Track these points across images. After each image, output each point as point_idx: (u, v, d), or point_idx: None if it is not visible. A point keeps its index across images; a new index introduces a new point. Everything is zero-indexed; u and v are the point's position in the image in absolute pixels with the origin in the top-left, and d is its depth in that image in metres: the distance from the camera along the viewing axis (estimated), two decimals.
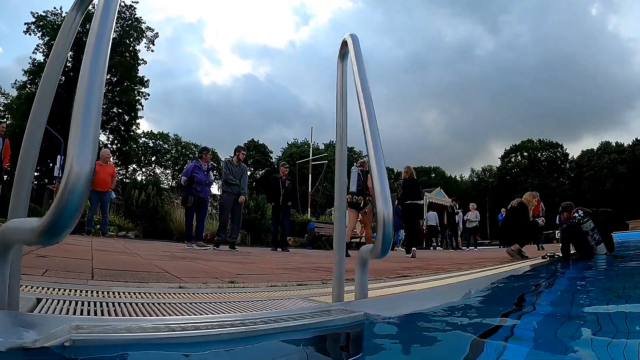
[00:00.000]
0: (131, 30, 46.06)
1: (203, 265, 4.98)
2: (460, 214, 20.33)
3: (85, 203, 0.96)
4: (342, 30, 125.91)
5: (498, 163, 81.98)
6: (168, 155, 71.99)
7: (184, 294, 2.66)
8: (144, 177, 60.55)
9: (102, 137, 45.86)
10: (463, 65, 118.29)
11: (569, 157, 77.32)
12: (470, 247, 19.67)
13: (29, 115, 1.52)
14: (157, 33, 48.26)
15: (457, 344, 1.58)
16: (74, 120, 1.00)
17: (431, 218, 21.16)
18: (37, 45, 41.22)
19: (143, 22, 46.96)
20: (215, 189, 11.95)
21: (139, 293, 2.56)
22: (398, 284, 3.65)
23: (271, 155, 76.07)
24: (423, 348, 1.58)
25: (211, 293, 2.74)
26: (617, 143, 72.21)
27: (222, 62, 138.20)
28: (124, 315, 1.88)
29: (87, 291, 2.47)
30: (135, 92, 46.92)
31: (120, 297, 2.38)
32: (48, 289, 2.38)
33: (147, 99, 48.50)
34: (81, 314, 1.84)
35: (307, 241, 17.52)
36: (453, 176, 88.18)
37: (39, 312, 1.77)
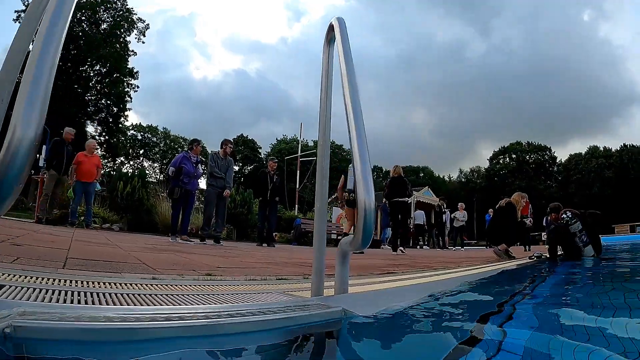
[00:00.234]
0: (122, 21, 45.64)
1: (183, 258, 4.86)
2: (448, 213, 20.37)
3: (28, 171, 0.86)
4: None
5: (486, 164, 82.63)
6: (156, 149, 71.60)
7: (157, 285, 2.55)
8: (131, 170, 60.15)
9: (90, 129, 45.51)
10: (453, 66, 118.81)
11: (557, 161, 78.02)
12: (457, 247, 19.69)
13: None
14: (148, 24, 47.94)
15: (437, 344, 1.49)
16: (24, 81, 0.92)
17: (419, 217, 21.14)
18: None
19: (134, 13, 46.61)
20: (202, 183, 11.80)
21: (109, 283, 2.44)
22: (382, 281, 3.57)
23: (260, 150, 76.01)
24: (402, 346, 1.48)
25: (185, 285, 2.63)
26: (604, 148, 72.92)
27: (213, 56, 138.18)
28: (86, 304, 1.77)
29: (52, 279, 2.35)
30: (125, 83, 46.51)
31: (86, 286, 2.27)
32: (9, 275, 2.26)
33: (137, 91, 48.19)
34: (37, 301, 1.72)
35: (293, 237, 17.43)
36: (441, 176, 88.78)
37: None
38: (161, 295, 2.13)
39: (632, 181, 64.37)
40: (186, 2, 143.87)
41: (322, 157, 2.19)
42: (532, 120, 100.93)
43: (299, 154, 29.54)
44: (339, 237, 21.23)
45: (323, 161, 2.18)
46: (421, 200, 29.17)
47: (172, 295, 2.16)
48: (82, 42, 41.55)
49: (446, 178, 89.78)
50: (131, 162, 68.53)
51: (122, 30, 45.96)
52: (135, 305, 1.85)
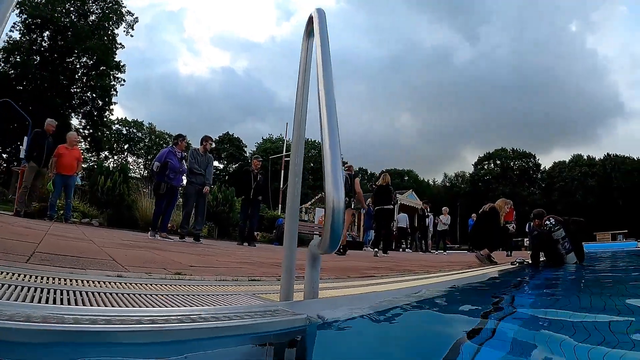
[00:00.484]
0: (111, 13, 45.14)
1: (157, 256, 4.74)
2: (431, 217, 20.40)
3: None
4: None
5: (471, 169, 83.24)
6: (141, 144, 70.94)
7: (121, 283, 2.43)
8: (115, 165, 59.47)
9: (75, 122, 44.95)
10: (441, 71, 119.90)
11: (541, 168, 78.79)
12: (439, 251, 19.69)
13: None
14: (136, 18, 47.43)
15: (411, 354, 1.41)
16: None
17: (402, 220, 21.12)
18: (15, 24, 40.05)
19: (123, 6, 46.11)
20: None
21: (70, 280, 2.32)
22: (360, 284, 3.48)
23: (245, 149, 75.59)
24: (369, 355, 1.39)
25: (151, 284, 2.52)
26: (588, 157, 73.87)
27: (202, 53, 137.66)
28: (31, 302, 1.65)
29: (12, 274, 2.23)
30: (111, 77, 45.98)
31: (45, 282, 2.15)
32: None
33: (123, 85, 47.66)
34: None
35: (275, 237, 17.29)
36: (426, 180, 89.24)
37: None
38: (122, 294, 2.02)
39: (615, 190, 65.35)
40: None
41: (296, 154, 2.11)
42: (517, 127, 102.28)
43: (284, 153, 29.40)
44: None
45: (296, 158, 2.09)
46: (405, 204, 29.21)
47: (134, 295, 2.05)
48: (69, 33, 41.06)
49: (431, 182, 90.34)
50: (115, 157, 67.88)
51: (110, 22, 45.46)
52: (77, 305, 1.73)
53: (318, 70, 1.74)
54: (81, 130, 45.32)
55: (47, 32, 40.91)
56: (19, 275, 2.26)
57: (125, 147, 69.97)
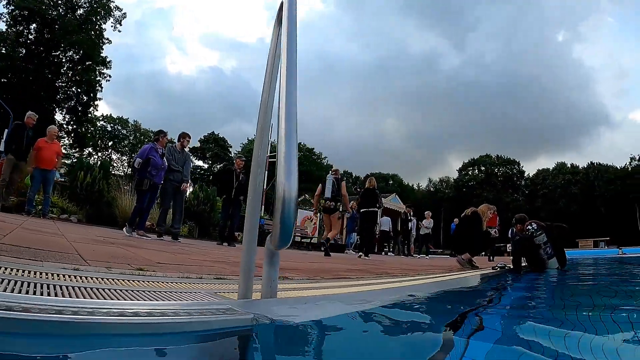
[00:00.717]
0: (99, 7, 44.63)
1: (128, 252, 4.61)
2: (414, 220, 20.40)
3: None
4: (311, 31, 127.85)
5: (455, 175, 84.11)
6: (126, 141, 70.30)
7: (76, 276, 2.33)
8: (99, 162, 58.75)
9: (59, 117, 44.35)
10: (427, 76, 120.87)
11: (525, 175, 79.64)
12: (421, 255, 19.72)
13: None
14: (125, 13, 46.88)
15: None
16: None
17: (384, 223, 21.11)
18: (1, 15, 39.46)
19: (112, 1, 45.60)
20: None
21: (23, 270, 2.22)
22: (329, 286, 3.39)
23: (230, 149, 75.26)
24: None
25: (108, 278, 2.41)
26: (572, 165, 74.91)
27: (190, 52, 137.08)
28: None
29: None
30: (97, 72, 45.42)
31: None
32: None
33: (109, 80, 47.11)
34: None
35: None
36: (410, 184, 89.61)
37: None
38: (72, 287, 1.92)
39: (597, 198, 66.21)
40: None
41: (260, 145, 2.01)
42: (502, 134, 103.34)
43: (268, 153, 29.22)
44: (303, 240, 21.20)
45: (260, 149, 1.99)
46: (388, 207, 29.16)
47: (84, 288, 1.95)
48: (57, 26, 40.54)
49: (415, 187, 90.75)
50: (99, 154, 67.21)
51: (98, 17, 44.95)
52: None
53: (282, 56, 1.65)
54: (65, 125, 44.76)
55: (34, 25, 40.37)
56: None
57: (110, 144, 69.35)
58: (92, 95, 45.42)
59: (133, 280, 2.49)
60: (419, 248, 20.68)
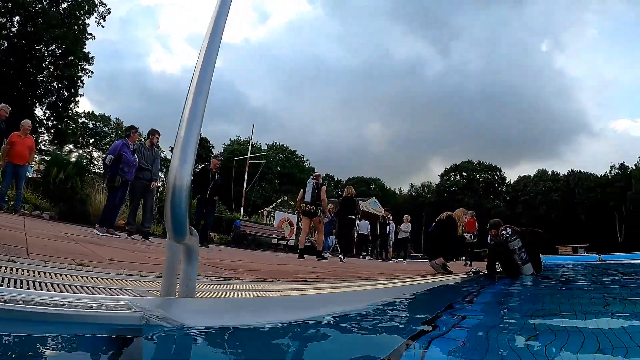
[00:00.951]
0: (83, 2, 44.01)
1: (84, 249, 4.53)
2: (393, 224, 20.38)
3: None
4: (297, 33, 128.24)
5: (437, 180, 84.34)
6: (107, 139, 69.42)
7: (7, 267, 2.29)
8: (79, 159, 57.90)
9: (39, 112, 43.65)
10: (411, 82, 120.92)
11: (506, 181, 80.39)
12: (399, 259, 19.69)
13: None
14: (109, 9, 46.21)
15: None
16: None
17: (363, 227, 21.09)
18: None
19: None
20: None
21: None
22: (276, 289, 3.33)
23: (212, 150, 74.78)
24: None
25: (40, 271, 2.39)
26: (553, 172, 75.73)
27: (174, 50, 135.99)
28: None
29: None
30: (79, 68, 44.78)
31: None
32: None
33: (90, 77, 46.44)
34: None
35: (232, 239, 17.03)
36: (392, 189, 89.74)
37: None
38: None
39: (577, 205, 67.09)
40: None
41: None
42: (484, 141, 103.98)
43: (249, 155, 29.09)
44: (280, 242, 21.11)
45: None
46: (367, 211, 29.05)
47: (12, 279, 1.89)
48: (40, 19, 39.90)
49: (397, 191, 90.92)
50: (80, 151, 66.32)
51: (82, 11, 44.35)
52: None
53: (206, 36, 1.57)
54: (45, 121, 44.10)
55: (18, 17, 39.75)
56: None
57: (91, 141, 68.52)
58: (73, 91, 44.70)
59: (67, 275, 2.46)
60: (397, 252, 20.67)
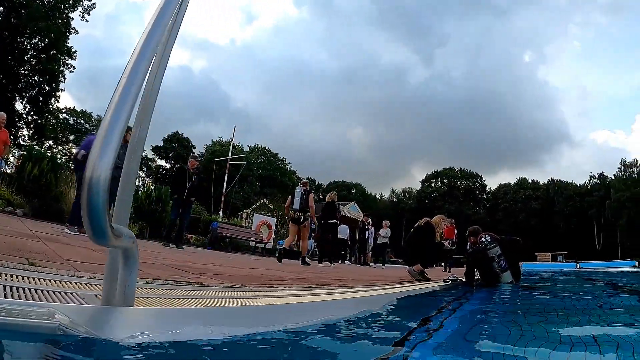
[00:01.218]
0: None
1: (45, 247, 4.40)
2: (372, 229, 20.32)
3: None
4: (283, 35, 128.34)
5: (418, 186, 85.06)
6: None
7: None
8: (59, 155, 56.93)
9: (19, 106, 42.97)
10: (395, 88, 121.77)
11: (487, 189, 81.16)
12: (378, 264, 19.61)
13: None
14: (94, 3, 45.66)
15: None
16: None
17: (342, 231, 20.99)
18: None
19: None
20: None
21: None
22: (240, 296, 3.21)
23: (194, 150, 74.36)
24: None
25: None
26: (533, 180, 76.90)
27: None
28: None
29: None
30: (61, 62, 44.13)
31: None
32: None
33: (72, 72, 45.83)
34: None
35: (208, 241, 16.84)
36: (373, 194, 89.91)
37: None
38: None
39: (556, 214, 68.05)
40: None
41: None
42: (466, 148, 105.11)
43: (230, 156, 28.85)
44: (258, 245, 20.95)
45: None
46: (346, 215, 28.87)
47: None
48: (24, 11, 39.22)
49: (378, 196, 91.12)
50: (60, 147, 65.36)
51: (66, 5, 43.70)
52: None
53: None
54: (25, 115, 43.47)
55: (1, 8, 39.01)
56: None
57: (72, 137, 67.55)
58: (54, 85, 44.08)
59: (11, 275, 2.35)
60: (376, 257, 20.61)
